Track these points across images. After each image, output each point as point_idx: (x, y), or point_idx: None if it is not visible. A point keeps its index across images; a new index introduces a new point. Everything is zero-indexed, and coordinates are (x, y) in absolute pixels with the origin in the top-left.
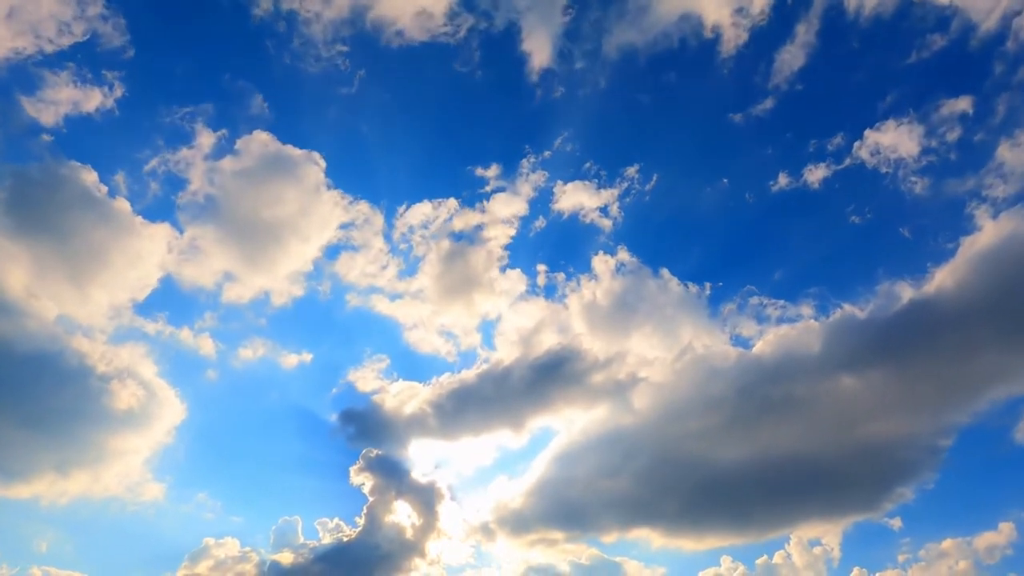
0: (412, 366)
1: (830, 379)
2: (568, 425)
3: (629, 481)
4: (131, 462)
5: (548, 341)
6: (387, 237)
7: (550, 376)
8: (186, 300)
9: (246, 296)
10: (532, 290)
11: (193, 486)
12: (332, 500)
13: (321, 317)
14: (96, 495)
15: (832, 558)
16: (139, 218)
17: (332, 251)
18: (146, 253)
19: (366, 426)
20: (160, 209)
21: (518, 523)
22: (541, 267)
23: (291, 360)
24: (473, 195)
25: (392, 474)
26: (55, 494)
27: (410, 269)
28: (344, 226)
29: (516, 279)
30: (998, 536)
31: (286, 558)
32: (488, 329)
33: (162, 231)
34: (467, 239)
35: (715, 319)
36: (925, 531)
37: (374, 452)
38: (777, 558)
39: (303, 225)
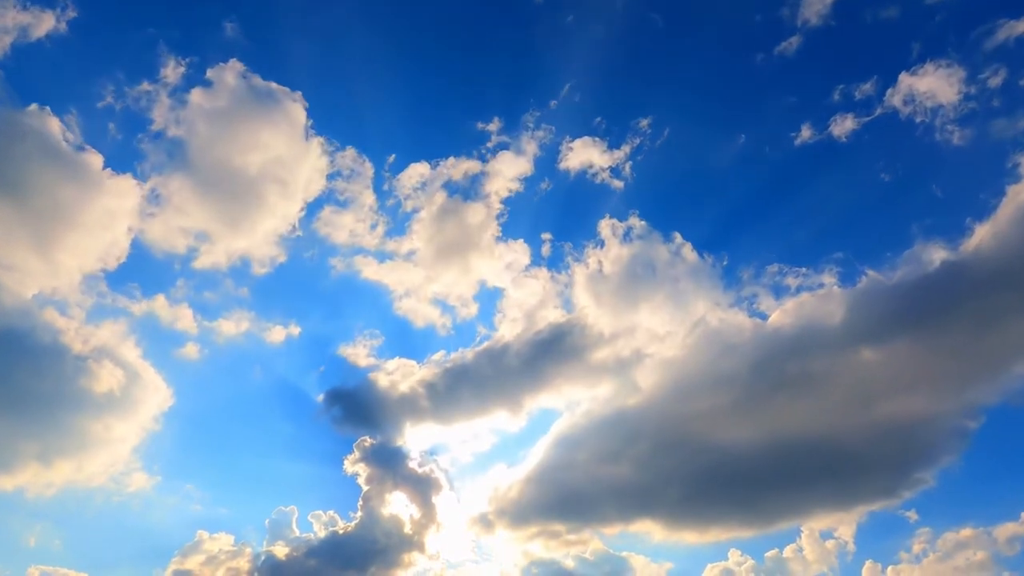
0: (405, 341)
1: (851, 352)
2: (570, 406)
3: (632, 468)
4: (116, 451)
5: (551, 316)
6: (377, 190)
7: (551, 353)
8: (158, 267)
9: (223, 261)
10: (536, 260)
11: (180, 475)
12: (326, 489)
13: (306, 284)
14: (80, 485)
15: (847, 551)
16: (108, 171)
17: (316, 206)
18: (115, 212)
19: (357, 410)
20: (121, 156)
21: (518, 514)
22: (546, 235)
23: (277, 334)
24: (472, 150)
25: (388, 463)
26: (40, 486)
27: (399, 227)
28: (331, 176)
29: (520, 251)
30: (1020, 527)
31: (280, 552)
32: (486, 299)
33: (129, 185)
34: (464, 194)
35: (730, 289)
36: (943, 520)
37: (368, 441)
38: (788, 551)
39: (284, 175)
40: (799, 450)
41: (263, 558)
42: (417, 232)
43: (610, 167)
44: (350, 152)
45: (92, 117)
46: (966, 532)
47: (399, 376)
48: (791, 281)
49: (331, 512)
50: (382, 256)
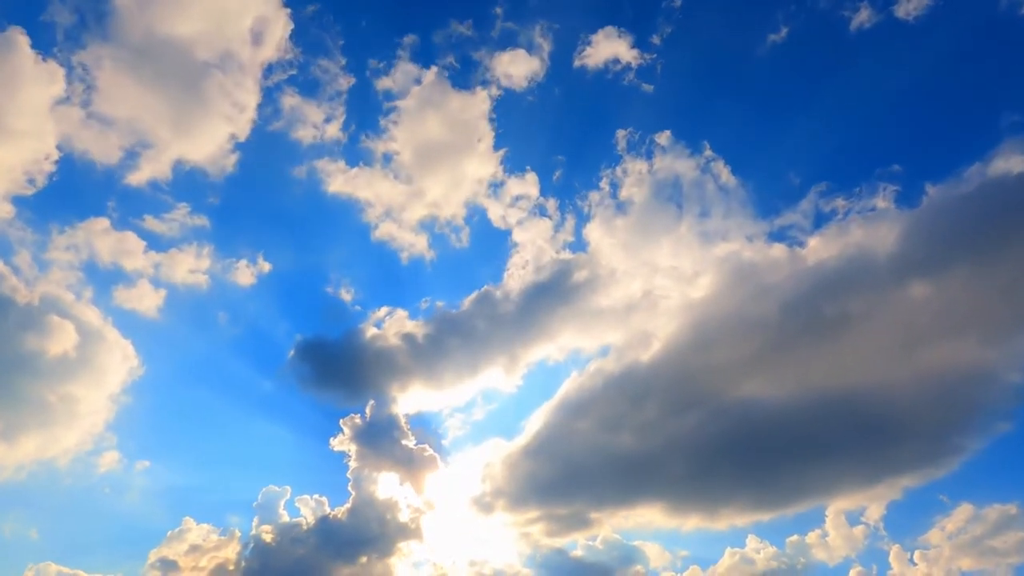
0: (388, 280)
1: (898, 288)
2: (576, 363)
3: (639, 438)
4: (81, 422)
5: (558, 255)
6: (351, 70)
7: (555, 299)
8: (89, 182)
9: (164, 171)
10: (546, 189)
11: (151, 454)
12: (312, 467)
13: (266, 205)
14: (47, 461)
15: (877, 533)
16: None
17: (273, 92)
18: (39, 107)
19: (338, 373)
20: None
21: (517, 496)
22: (559, 158)
23: (244, 276)
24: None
25: (377, 439)
26: (10, 466)
27: (370, 121)
28: (295, 39)
29: (530, 183)
30: None
31: (267, 538)
32: (481, 224)
33: (51, 70)
34: (458, 80)
35: (766, 216)
36: (985, 494)
37: (356, 419)
38: (810, 537)
39: (229, 47)
40: (829, 409)
41: (250, 547)
42: (397, 128)
43: (635, 65)
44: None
45: None
46: (1012, 509)
47: (386, 329)
48: (839, 204)
49: (316, 496)
50: (353, 157)
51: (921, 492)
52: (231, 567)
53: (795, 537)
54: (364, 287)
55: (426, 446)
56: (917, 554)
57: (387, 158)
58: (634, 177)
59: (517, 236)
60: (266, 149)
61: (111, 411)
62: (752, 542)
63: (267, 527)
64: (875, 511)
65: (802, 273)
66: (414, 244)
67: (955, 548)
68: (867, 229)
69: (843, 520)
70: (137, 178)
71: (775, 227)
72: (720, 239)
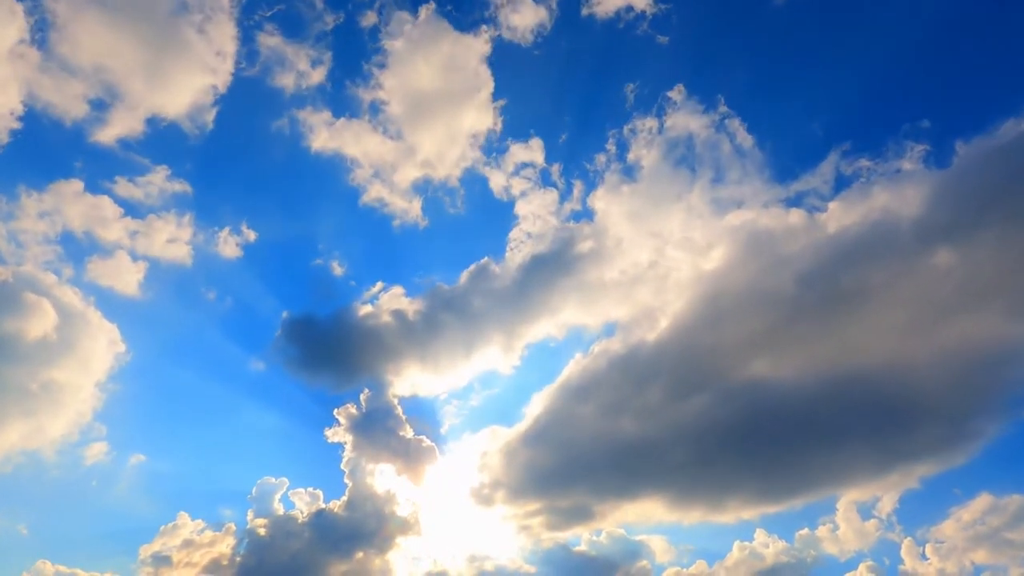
0: (378, 252)
1: (923, 255)
2: (573, 342)
3: (639, 423)
4: (66, 410)
5: (562, 225)
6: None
7: (557, 272)
8: (56, 139)
9: (136, 128)
10: (551, 155)
11: (135, 441)
12: (307, 458)
13: (248, 166)
14: (32, 452)
15: (890, 523)
16: None
17: (253, 32)
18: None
19: (329, 353)
20: None
21: (517, 488)
22: (565, 119)
23: (228, 247)
24: None
25: (373, 432)
26: None
27: (357, 66)
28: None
29: (535, 148)
30: None
31: (261, 532)
32: (476, 183)
33: (11, 8)
34: (457, 20)
35: (783, 180)
36: (1006, 483)
37: (352, 409)
38: (821, 531)
39: None
40: (841, 391)
41: (245, 540)
42: (387, 74)
43: (649, 14)
44: None
45: None
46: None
47: (379, 306)
48: (863, 165)
49: (311, 488)
50: (338, 107)
51: (937, 481)
52: (225, 562)
53: (805, 531)
54: (354, 258)
55: (423, 437)
56: (929, 548)
57: (375, 109)
58: (644, 137)
59: (520, 208)
60: (246, 99)
61: (98, 399)
62: (760, 536)
63: (261, 520)
64: (888, 502)
65: (820, 242)
66: (407, 210)
67: (970, 540)
68: (892, 192)
69: (855, 512)
70: (107, 135)
71: (792, 192)
72: (734, 206)
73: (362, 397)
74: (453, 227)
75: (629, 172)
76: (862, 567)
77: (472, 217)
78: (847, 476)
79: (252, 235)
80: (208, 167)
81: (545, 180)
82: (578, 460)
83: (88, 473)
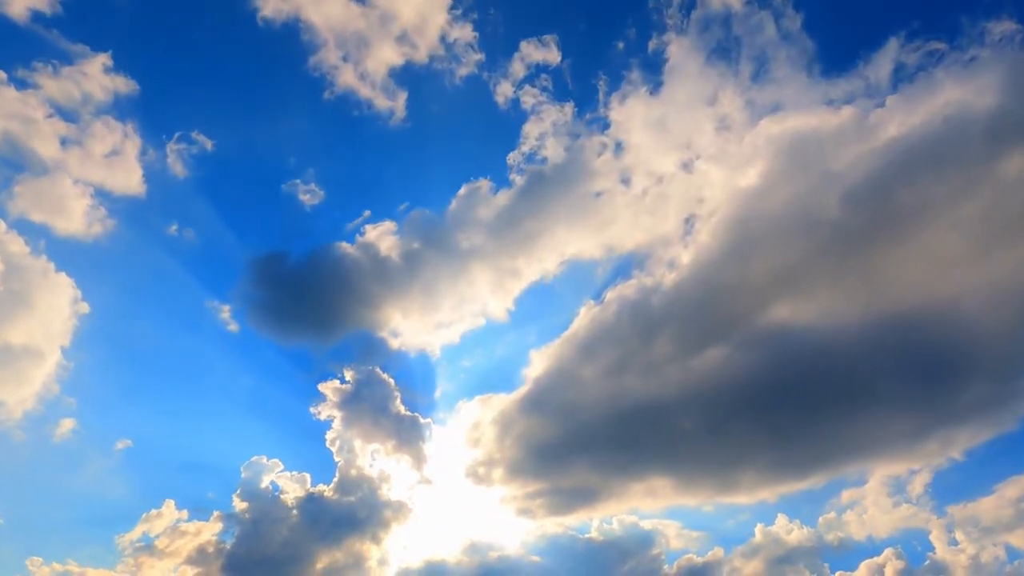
0: (352, 162)
1: (990, 162)
2: (589, 290)
3: (646, 382)
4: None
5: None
6: None
7: (564, 193)
8: None
9: None
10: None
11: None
12: (291, 431)
13: (186, 42)
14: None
15: (927, 501)
16: None
17: None
18: None
19: (301, 306)
20: None
21: (514, 467)
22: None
23: (177, 164)
24: None
25: (362, 408)
26: None
27: None
28: None
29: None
30: None
31: (246, 518)
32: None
33: None
34: None
35: (830, 74)
36: None
37: (340, 385)
38: (847, 515)
39: None
40: (879, 337)
41: (230, 528)
42: None
43: None
44: None
45: None
46: None
47: (361, 242)
48: (934, 47)
49: (300, 472)
50: None
51: (980, 450)
52: (211, 549)
53: (831, 515)
54: (324, 171)
55: (418, 415)
56: (959, 533)
57: None
58: (671, 17)
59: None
60: None
61: (58, 362)
62: (781, 520)
63: (245, 504)
64: (922, 478)
65: (874, 149)
66: (391, 107)
67: (1015, 518)
68: (965, 86)
69: (884, 489)
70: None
71: (843, 90)
72: (775, 109)
73: (347, 374)
74: (443, 128)
75: (649, 65)
76: (888, 551)
77: (466, 113)
78: (877, 446)
79: (209, 143)
80: (133, 37)
81: (556, 79)
82: (580, 431)
83: (55, 451)
